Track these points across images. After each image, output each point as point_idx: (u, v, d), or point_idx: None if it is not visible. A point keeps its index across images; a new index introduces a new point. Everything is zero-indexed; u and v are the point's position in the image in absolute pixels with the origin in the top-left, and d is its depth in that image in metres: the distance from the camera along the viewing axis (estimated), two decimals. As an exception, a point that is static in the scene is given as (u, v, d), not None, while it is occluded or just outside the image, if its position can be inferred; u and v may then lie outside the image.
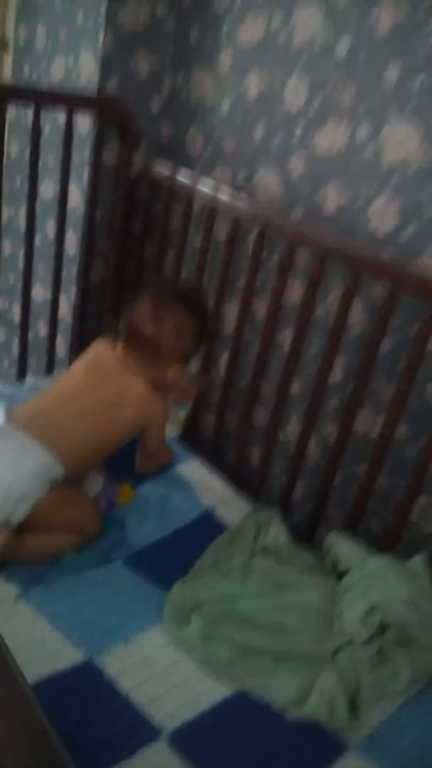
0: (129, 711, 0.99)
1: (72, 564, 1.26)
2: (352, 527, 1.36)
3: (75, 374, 1.37)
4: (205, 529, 1.40)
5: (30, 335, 1.96)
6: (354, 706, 1.02)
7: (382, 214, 1.32)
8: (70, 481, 1.31)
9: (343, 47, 1.33)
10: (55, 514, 1.26)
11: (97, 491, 1.43)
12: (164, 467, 1.55)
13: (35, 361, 2.09)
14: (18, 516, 1.22)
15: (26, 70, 2.01)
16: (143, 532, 1.37)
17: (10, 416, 1.29)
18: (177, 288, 1.45)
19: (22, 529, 1.24)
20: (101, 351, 1.41)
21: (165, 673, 1.07)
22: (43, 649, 1.07)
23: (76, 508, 1.32)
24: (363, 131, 1.32)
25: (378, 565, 1.17)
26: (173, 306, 1.33)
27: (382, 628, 1.08)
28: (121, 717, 0.98)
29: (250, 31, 1.52)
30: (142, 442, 1.44)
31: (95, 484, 1.43)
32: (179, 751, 0.94)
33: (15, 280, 2.18)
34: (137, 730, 0.97)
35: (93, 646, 1.09)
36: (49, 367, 1.93)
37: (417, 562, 1.20)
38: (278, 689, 1.04)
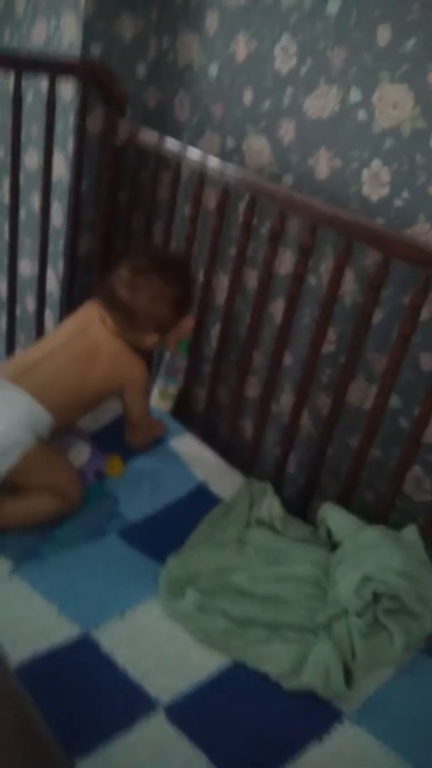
0: (125, 684, 1.00)
1: (66, 537, 1.26)
2: (346, 498, 1.36)
3: (60, 330, 1.42)
4: (199, 502, 1.41)
5: (18, 310, 1.93)
6: (349, 675, 1.03)
7: (375, 180, 1.29)
8: (53, 439, 1.33)
9: (333, 8, 1.29)
10: (36, 473, 1.27)
11: (84, 460, 1.43)
12: (157, 441, 1.54)
13: (24, 337, 2.06)
14: (4, 467, 1.22)
15: (6, 35, 1.94)
16: (136, 505, 1.37)
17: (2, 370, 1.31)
18: (158, 256, 1.46)
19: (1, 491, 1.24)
20: (89, 310, 1.44)
21: (161, 646, 1.08)
22: (38, 624, 1.07)
23: (57, 470, 1.32)
24: (354, 95, 1.29)
25: (371, 535, 1.17)
26: (151, 274, 1.35)
27: (376, 598, 1.09)
28: (117, 690, 0.99)
29: (238, -10, 1.47)
30: (124, 410, 1.45)
31: (82, 453, 1.43)
32: (176, 722, 0.95)
33: (0, 254, 2.14)
34: (134, 702, 0.97)
35: (88, 620, 1.09)
36: (38, 342, 1.90)
37: (410, 531, 1.21)
38: (274, 660, 1.04)
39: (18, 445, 1.23)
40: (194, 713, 0.97)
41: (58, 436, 1.37)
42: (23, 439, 1.24)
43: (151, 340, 1.40)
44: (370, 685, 1.05)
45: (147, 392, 1.47)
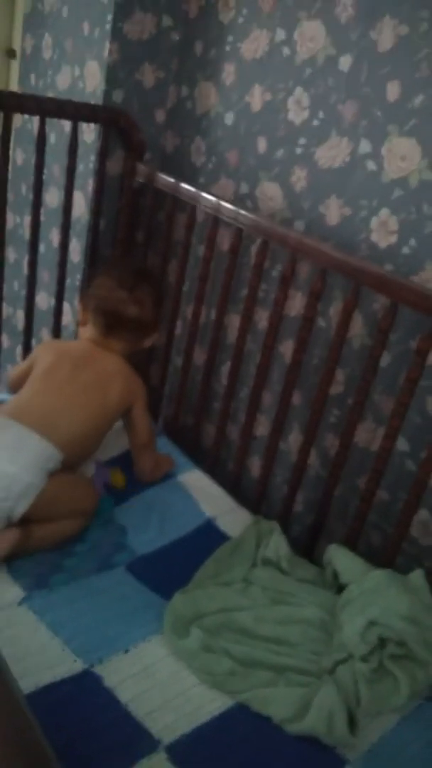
0: (128, 722, 1.00)
1: (75, 567, 1.27)
2: (353, 540, 1.36)
3: (55, 369, 1.39)
4: (207, 538, 1.41)
5: (33, 342, 1.97)
6: (353, 721, 1.01)
7: (383, 228, 1.32)
8: (69, 469, 1.34)
9: (344, 64, 1.35)
10: (58, 504, 1.29)
11: (91, 475, 1.47)
12: (165, 476, 1.56)
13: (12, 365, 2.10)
14: (20, 509, 1.23)
15: (32, 79, 2.02)
16: (144, 539, 1.38)
17: (2, 412, 1.31)
18: (135, 267, 1.58)
19: (26, 521, 1.26)
20: (62, 346, 1.50)
21: (164, 684, 1.07)
22: (43, 657, 1.08)
23: (75, 490, 1.34)
24: (364, 147, 1.33)
25: (378, 579, 1.17)
26: (141, 284, 1.46)
27: (382, 643, 1.08)
28: (119, 728, 0.99)
29: (255, 44, 1.54)
30: (133, 431, 1.47)
31: (87, 469, 1.48)
32: (178, 763, 0.95)
33: (19, 287, 2.19)
34: (136, 741, 0.97)
35: (92, 654, 1.10)
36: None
37: (417, 576, 1.20)
38: (278, 703, 1.04)
39: (31, 488, 1.24)
40: (196, 754, 0.97)
41: (74, 469, 1.38)
42: (36, 480, 1.24)
43: (151, 339, 1.53)
44: (375, 731, 1.04)
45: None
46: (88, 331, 1.49)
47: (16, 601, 1.17)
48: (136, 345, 1.49)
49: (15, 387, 1.49)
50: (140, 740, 0.97)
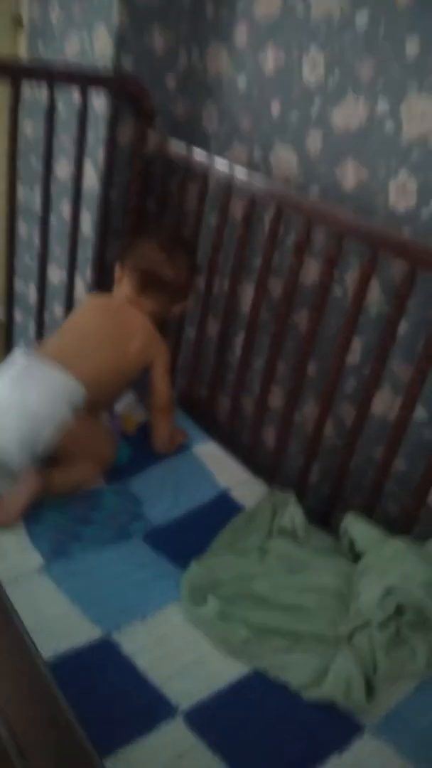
0: (146, 688, 1.01)
1: (93, 536, 1.28)
2: (369, 509, 1.35)
3: (83, 316, 1.51)
4: (222, 509, 1.41)
5: (46, 316, 1.96)
6: (370, 688, 1.02)
7: (402, 192, 1.29)
8: (92, 412, 1.41)
9: (361, 20, 1.30)
10: (80, 443, 1.36)
11: (107, 425, 1.53)
12: (179, 448, 1.55)
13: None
14: (44, 439, 1.29)
15: (40, 47, 1.99)
16: (160, 510, 1.39)
17: (30, 353, 1.39)
18: (176, 234, 1.67)
19: (48, 464, 1.32)
20: (99, 298, 1.58)
21: (182, 651, 1.08)
22: (62, 625, 1.09)
23: (97, 434, 1.42)
24: (382, 106, 1.29)
25: (395, 547, 1.17)
26: (179, 250, 1.52)
27: (399, 611, 1.08)
28: (137, 694, 1.00)
29: (267, 4, 1.49)
30: (152, 393, 1.52)
31: (103, 418, 1.53)
32: (195, 729, 0.96)
33: (31, 261, 2.18)
34: (154, 707, 0.98)
35: (110, 622, 1.10)
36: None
37: (434, 544, 1.20)
38: (294, 670, 1.04)
39: (55, 418, 1.30)
40: (213, 720, 0.97)
41: (94, 413, 1.44)
42: (60, 411, 1.31)
43: (180, 307, 1.57)
44: (392, 698, 1.04)
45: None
46: (123, 289, 1.54)
47: (37, 570, 1.18)
48: (165, 308, 1.54)
49: None
50: (158, 706, 0.98)
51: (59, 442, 1.31)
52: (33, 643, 0.56)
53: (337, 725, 0.99)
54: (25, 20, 2.04)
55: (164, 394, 1.51)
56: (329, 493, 1.45)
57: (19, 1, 2.06)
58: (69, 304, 1.88)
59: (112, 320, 1.48)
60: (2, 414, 1.30)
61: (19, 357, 1.37)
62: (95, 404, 1.41)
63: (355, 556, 1.26)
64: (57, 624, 1.09)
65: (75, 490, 1.36)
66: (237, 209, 1.61)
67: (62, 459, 1.34)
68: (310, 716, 1.00)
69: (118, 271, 1.57)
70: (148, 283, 1.50)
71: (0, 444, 1.30)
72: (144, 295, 1.51)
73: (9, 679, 0.51)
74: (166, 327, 1.84)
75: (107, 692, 1.00)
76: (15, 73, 1.58)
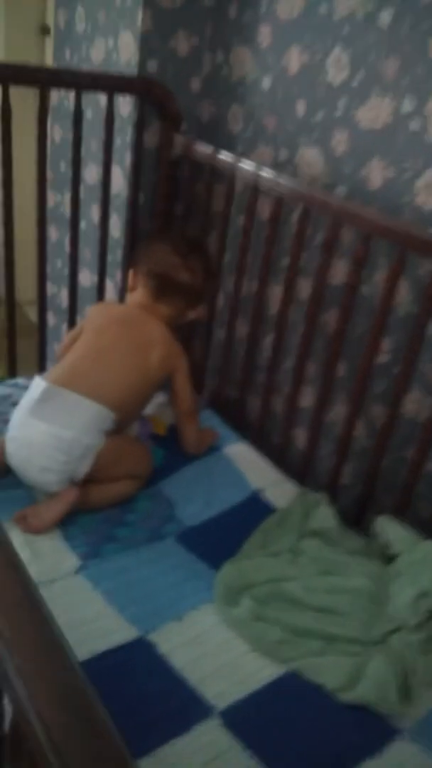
0: (182, 688, 1.02)
1: (127, 538, 1.30)
2: (401, 511, 1.35)
3: (102, 336, 1.44)
4: (253, 510, 1.42)
5: (78, 319, 1.99)
6: (406, 691, 1.02)
7: (429, 190, 1.28)
8: (120, 431, 1.40)
9: (385, 19, 1.29)
10: (117, 464, 1.35)
11: (137, 430, 1.53)
12: (210, 449, 1.57)
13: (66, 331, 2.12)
14: (82, 470, 1.30)
15: (67, 54, 2.01)
16: (192, 511, 1.40)
17: (47, 379, 1.35)
18: (191, 237, 1.62)
19: (86, 481, 1.33)
20: (112, 309, 1.55)
21: (216, 652, 1.09)
22: (98, 625, 1.11)
23: (131, 457, 1.41)
24: (407, 104, 1.28)
25: (428, 549, 1.16)
26: (195, 253, 1.50)
27: (432, 613, 1.08)
28: (173, 694, 1.02)
29: (290, 4, 1.48)
30: (175, 399, 1.50)
31: (131, 428, 1.52)
32: (231, 729, 0.97)
33: (62, 265, 2.22)
34: (190, 707, 1.00)
35: (146, 622, 1.12)
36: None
37: (467, 545, 1.19)
38: (329, 672, 1.05)
39: (90, 449, 1.30)
40: (249, 721, 0.99)
41: (124, 429, 1.43)
42: (94, 441, 1.30)
43: (197, 312, 1.54)
44: (428, 702, 1.04)
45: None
46: (137, 296, 1.52)
47: (73, 570, 1.21)
48: (181, 313, 1.51)
49: (66, 353, 1.53)
50: (194, 706, 1.00)
51: (93, 468, 1.31)
52: (68, 643, 0.58)
53: (372, 728, 1.00)
54: (52, 28, 2.07)
55: (187, 399, 1.50)
56: (361, 495, 1.45)
57: (46, 10, 2.09)
58: (100, 308, 1.91)
59: (130, 333, 1.43)
60: (38, 453, 1.28)
61: (42, 386, 1.32)
62: (124, 422, 1.40)
63: (388, 559, 1.26)
64: (93, 624, 1.11)
65: (110, 505, 1.36)
66: (264, 210, 1.62)
67: (97, 479, 1.34)
68: (345, 719, 1.01)
69: (131, 277, 1.55)
70: (164, 288, 1.47)
71: (37, 480, 1.30)
72: (160, 301, 1.48)
73: (44, 680, 0.53)
74: (194, 329, 1.86)
75: (143, 692, 1.02)
76: (43, 80, 1.61)
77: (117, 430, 1.37)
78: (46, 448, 1.27)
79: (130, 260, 1.88)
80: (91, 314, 1.52)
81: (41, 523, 1.27)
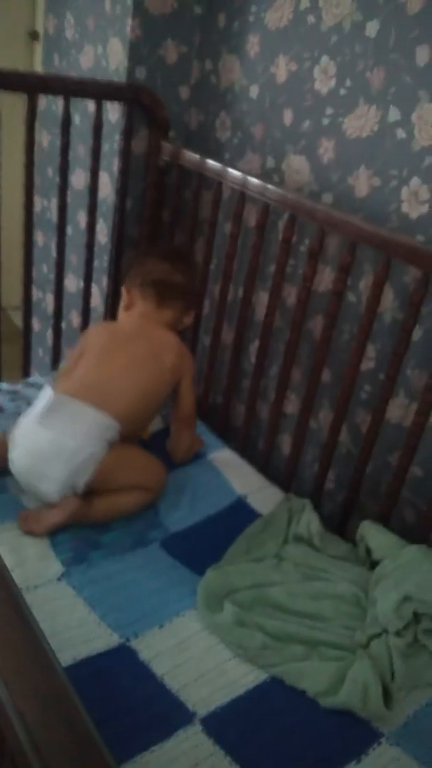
0: (163, 694, 1.02)
1: (112, 544, 1.29)
2: (385, 517, 1.35)
3: (107, 344, 1.44)
4: (238, 516, 1.42)
5: (63, 325, 1.99)
6: (388, 695, 1.02)
7: (414, 198, 1.29)
8: (129, 441, 1.38)
9: (371, 30, 1.31)
10: (118, 474, 1.32)
11: None
12: (196, 455, 1.56)
13: (68, 350, 2.12)
14: (83, 480, 1.28)
15: (56, 60, 2.02)
16: (177, 517, 1.40)
17: (54, 389, 1.35)
18: (171, 247, 1.73)
19: (90, 492, 1.30)
20: (112, 326, 1.57)
21: (199, 658, 1.09)
22: (80, 631, 1.10)
23: (136, 463, 1.38)
24: (393, 114, 1.30)
25: (412, 554, 1.17)
26: (181, 259, 1.56)
27: (416, 618, 1.08)
28: (155, 700, 1.01)
29: (279, 12, 1.50)
30: (178, 404, 1.51)
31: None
32: (213, 735, 0.96)
33: (48, 270, 2.21)
34: (172, 713, 0.99)
35: (128, 629, 1.11)
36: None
37: (451, 551, 1.19)
38: (311, 677, 1.04)
39: (92, 458, 1.28)
40: (231, 727, 0.98)
41: (130, 441, 1.41)
42: (96, 451, 1.28)
43: (190, 317, 1.58)
44: (410, 706, 1.04)
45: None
46: (138, 309, 1.52)
47: (56, 577, 1.20)
48: (180, 318, 1.54)
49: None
50: (176, 712, 0.99)
51: (95, 477, 1.29)
52: (51, 648, 0.57)
53: (354, 733, 0.99)
54: (41, 34, 2.07)
55: (189, 405, 1.51)
56: (345, 500, 1.45)
57: (35, 16, 2.09)
58: (86, 312, 1.91)
59: (142, 343, 1.43)
60: (41, 461, 1.27)
61: (50, 395, 1.32)
62: (131, 434, 1.38)
63: (372, 564, 1.26)
64: (76, 630, 1.10)
65: (114, 518, 1.33)
66: (251, 217, 1.62)
67: (100, 490, 1.31)
68: (328, 723, 1.00)
69: (124, 296, 1.54)
70: (165, 292, 1.50)
71: (39, 488, 1.28)
72: (163, 306, 1.50)
73: (27, 683, 0.53)
74: (181, 335, 1.85)
75: (125, 698, 1.01)
76: (32, 86, 1.61)
77: (122, 441, 1.34)
78: (50, 457, 1.26)
79: (116, 266, 1.88)
80: (90, 334, 1.51)
81: (37, 526, 1.26)
